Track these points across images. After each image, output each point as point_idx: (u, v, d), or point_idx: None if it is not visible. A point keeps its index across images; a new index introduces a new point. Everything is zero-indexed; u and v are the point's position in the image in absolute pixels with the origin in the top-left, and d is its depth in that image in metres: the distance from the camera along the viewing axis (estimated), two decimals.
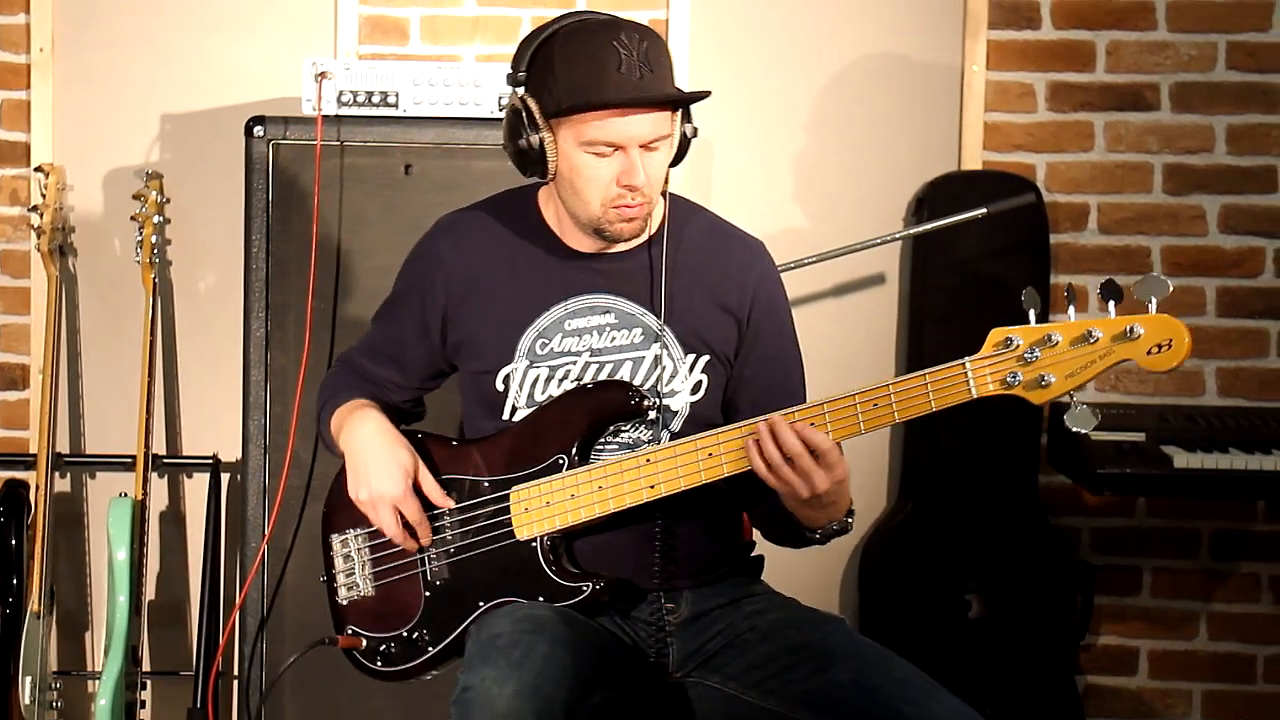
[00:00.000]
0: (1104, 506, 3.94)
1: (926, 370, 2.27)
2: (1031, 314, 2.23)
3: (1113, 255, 3.91)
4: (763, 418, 2.32)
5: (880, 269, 3.92)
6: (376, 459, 2.49)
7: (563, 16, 2.44)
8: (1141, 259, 3.91)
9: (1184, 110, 3.89)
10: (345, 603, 2.59)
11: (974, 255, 3.81)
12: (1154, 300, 2.17)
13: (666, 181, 2.51)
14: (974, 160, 3.87)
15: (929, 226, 3.66)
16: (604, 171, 2.41)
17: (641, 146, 2.39)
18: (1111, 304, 2.19)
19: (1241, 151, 3.89)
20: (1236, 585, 3.96)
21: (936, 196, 3.82)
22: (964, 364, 2.25)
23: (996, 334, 2.24)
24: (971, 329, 3.70)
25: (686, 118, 2.47)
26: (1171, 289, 2.16)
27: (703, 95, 2.45)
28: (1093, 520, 3.95)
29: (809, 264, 3.57)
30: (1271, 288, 3.91)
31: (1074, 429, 2.22)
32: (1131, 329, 2.17)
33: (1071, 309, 2.21)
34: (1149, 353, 2.17)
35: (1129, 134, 3.90)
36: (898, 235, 3.72)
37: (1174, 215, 3.91)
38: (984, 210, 3.60)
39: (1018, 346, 2.22)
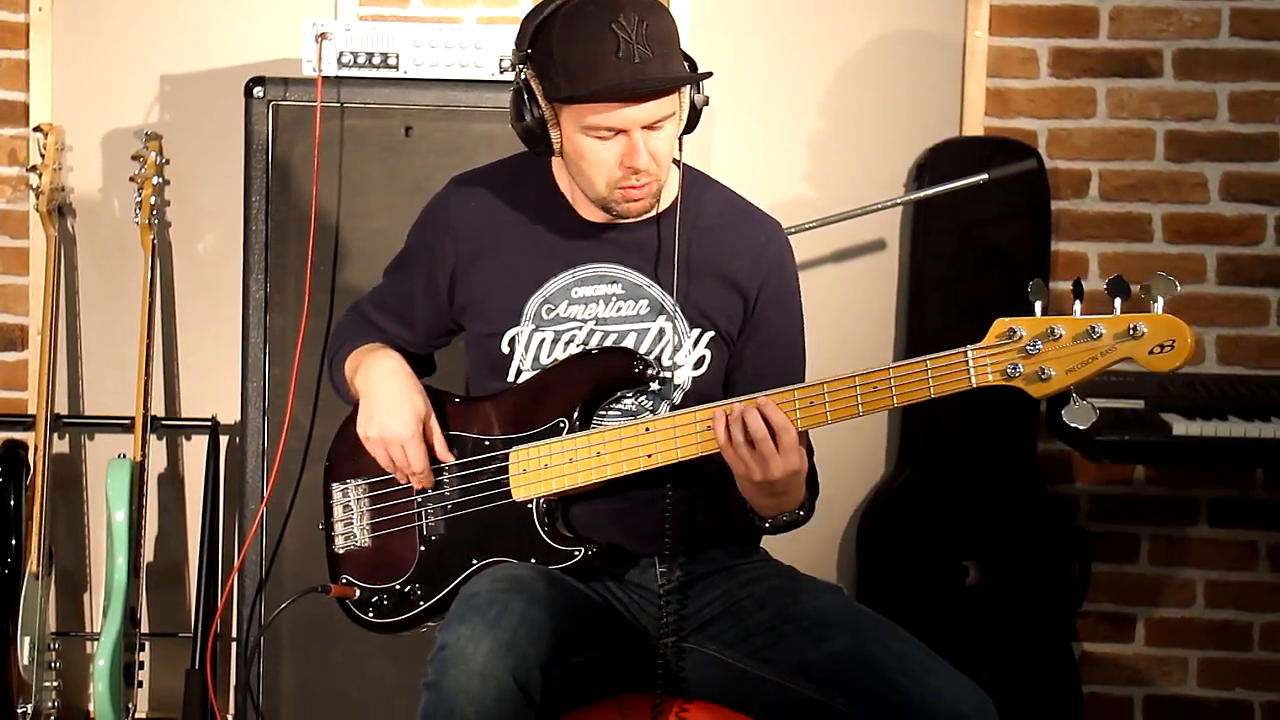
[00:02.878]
0: (1102, 473, 3.95)
1: (928, 356, 2.26)
2: (1038, 306, 2.22)
3: (1114, 222, 3.91)
4: (777, 391, 2.31)
5: (881, 234, 3.92)
6: (390, 399, 2.50)
7: None
8: (1142, 226, 3.91)
9: (1186, 77, 3.87)
10: (342, 552, 2.60)
11: (975, 221, 3.80)
12: (1160, 299, 2.16)
13: (680, 150, 2.50)
14: (976, 126, 3.86)
15: (930, 192, 3.66)
16: (607, 154, 2.39)
17: (645, 127, 2.38)
18: (1117, 300, 2.18)
19: (1244, 119, 3.88)
20: (1234, 553, 3.97)
21: (938, 162, 3.81)
22: (966, 352, 2.24)
23: (1000, 324, 2.23)
24: (971, 295, 3.78)
25: (696, 88, 2.45)
26: (1179, 289, 2.15)
27: (704, 76, 2.43)
28: (1091, 487, 3.96)
29: (810, 229, 3.57)
30: (1272, 256, 3.91)
31: (1071, 424, 2.21)
32: (1135, 327, 2.16)
33: (1077, 304, 2.20)
34: (1151, 352, 2.16)
35: (1131, 100, 3.89)
36: (899, 200, 3.72)
37: (1175, 182, 3.90)
38: (985, 176, 3.60)
39: (1021, 338, 2.22)
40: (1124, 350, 2.18)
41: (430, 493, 2.52)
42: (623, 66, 2.32)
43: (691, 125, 2.47)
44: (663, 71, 2.34)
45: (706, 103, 2.47)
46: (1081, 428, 2.21)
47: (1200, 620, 3.98)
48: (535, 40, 2.39)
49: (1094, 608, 3.97)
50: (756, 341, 2.55)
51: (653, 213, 2.50)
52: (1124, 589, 3.98)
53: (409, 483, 2.53)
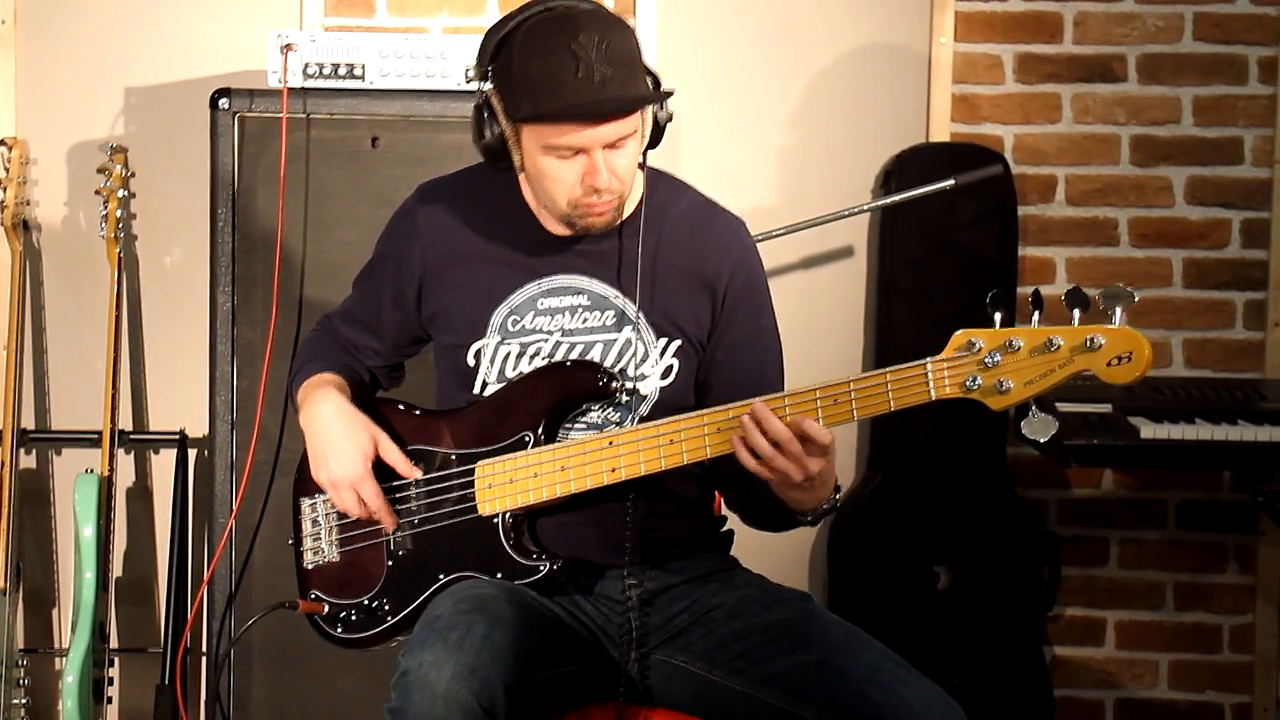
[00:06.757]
0: (1071, 477, 3.96)
1: (888, 369, 2.25)
2: (997, 317, 2.21)
3: (1080, 227, 3.92)
4: (743, 404, 2.30)
5: (849, 241, 3.92)
6: (333, 443, 2.49)
7: (528, 5, 2.38)
8: (1109, 230, 3.92)
9: (1151, 82, 3.89)
10: (310, 567, 2.59)
11: (942, 227, 3.81)
12: (1118, 310, 2.15)
13: (644, 159, 2.49)
14: (942, 132, 3.87)
15: (897, 198, 3.66)
16: (567, 172, 2.39)
17: (606, 146, 2.36)
18: (1076, 312, 2.17)
19: (1208, 123, 3.90)
20: (1203, 555, 3.98)
21: (905, 168, 3.82)
22: (925, 365, 2.23)
23: (960, 336, 2.23)
24: (940, 301, 3.79)
25: (660, 104, 2.44)
26: (1137, 299, 2.15)
27: (665, 95, 2.42)
28: (1060, 491, 3.97)
29: (777, 236, 3.57)
30: (1237, 259, 3.93)
31: (1030, 437, 2.21)
32: (1092, 340, 2.15)
33: (1036, 315, 2.20)
34: (1109, 364, 2.15)
35: (1096, 105, 3.90)
36: (866, 207, 3.72)
37: (1141, 187, 3.92)
38: (952, 182, 3.61)
39: (979, 350, 2.21)
40: (1082, 362, 2.17)
41: (398, 508, 2.52)
42: (582, 87, 2.30)
43: (656, 140, 2.46)
44: (623, 91, 2.33)
45: (670, 119, 2.47)
46: (1040, 440, 2.21)
47: (1170, 623, 4.00)
48: (496, 57, 2.39)
49: (1064, 611, 3.98)
50: (728, 341, 2.54)
51: (617, 221, 2.50)
52: (1094, 592, 3.99)
53: (373, 523, 2.52)
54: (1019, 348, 2.19)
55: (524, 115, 2.36)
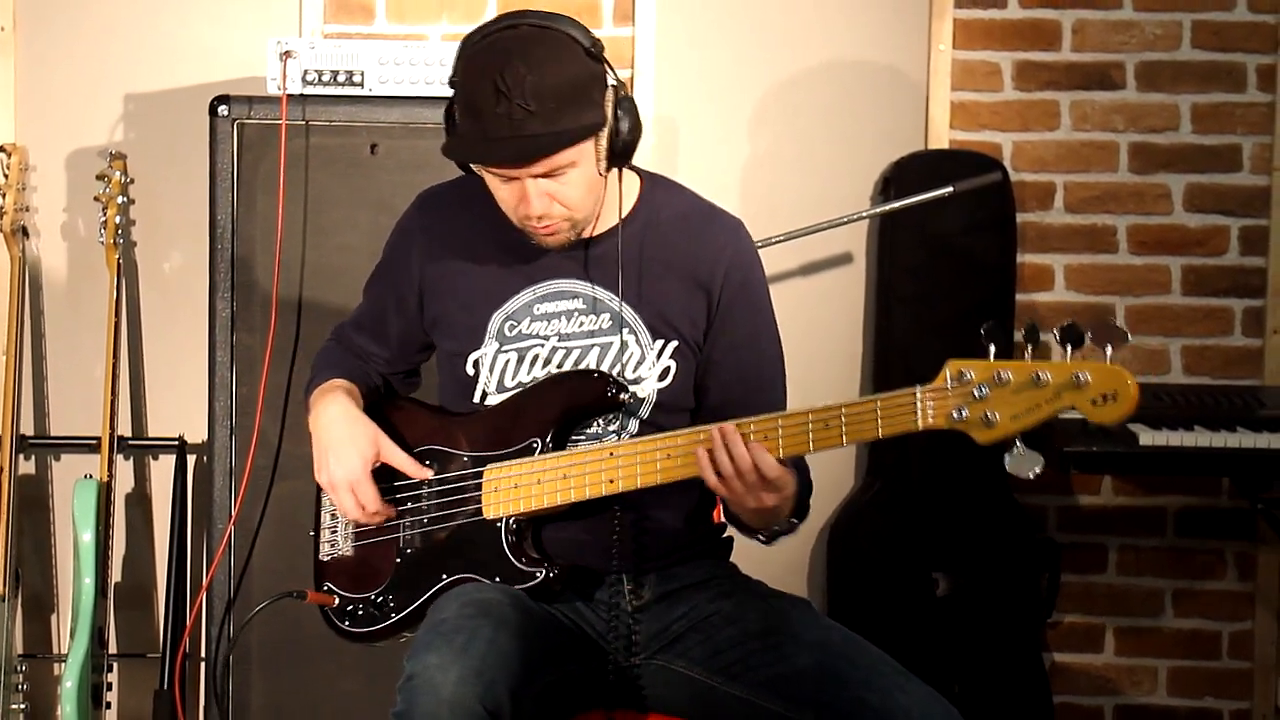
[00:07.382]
0: (1070, 484, 3.96)
1: (878, 396, 2.24)
2: (991, 349, 2.19)
3: (1079, 234, 3.93)
4: (715, 425, 2.30)
5: (848, 248, 3.93)
6: (334, 445, 2.50)
7: (498, 19, 2.37)
8: (1107, 238, 3.93)
9: (1149, 89, 3.90)
10: (326, 559, 2.61)
11: (941, 234, 3.81)
12: (1109, 348, 2.13)
13: (628, 173, 2.49)
14: (941, 139, 3.88)
15: (896, 205, 3.67)
16: (506, 194, 2.39)
17: (539, 175, 2.34)
18: (1069, 347, 2.15)
19: (1206, 130, 3.90)
20: (1202, 562, 3.98)
21: (904, 175, 3.82)
22: (914, 393, 2.21)
23: (952, 365, 2.20)
24: (939, 307, 3.80)
25: (617, 118, 2.36)
26: (1130, 339, 2.13)
27: (581, 137, 2.33)
28: (1059, 498, 3.97)
29: (776, 243, 3.57)
30: (1235, 266, 3.93)
31: (1012, 474, 2.18)
32: (1079, 376, 2.12)
33: (1029, 349, 2.18)
34: (1094, 402, 2.12)
35: (1095, 113, 3.91)
36: (865, 214, 3.73)
37: (1139, 194, 3.92)
38: (950, 189, 3.61)
39: (969, 381, 2.19)
40: (1069, 399, 2.13)
41: (409, 506, 2.52)
42: (499, 123, 2.28)
43: (623, 158, 2.42)
44: (545, 128, 2.28)
45: (633, 137, 2.40)
46: (1021, 477, 2.19)
47: (1169, 630, 4.00)
48: (455, 69, 2.38)
49: (1063, 618, 3.98)
50: (724, 342, 2.53)
51: (613, 222, 2.49)
52: (1093, 599, 3.99)
53: (371, 523, 2.52)
54: (1008, 381, 2.16)
55: (451, 142, 2.38)
